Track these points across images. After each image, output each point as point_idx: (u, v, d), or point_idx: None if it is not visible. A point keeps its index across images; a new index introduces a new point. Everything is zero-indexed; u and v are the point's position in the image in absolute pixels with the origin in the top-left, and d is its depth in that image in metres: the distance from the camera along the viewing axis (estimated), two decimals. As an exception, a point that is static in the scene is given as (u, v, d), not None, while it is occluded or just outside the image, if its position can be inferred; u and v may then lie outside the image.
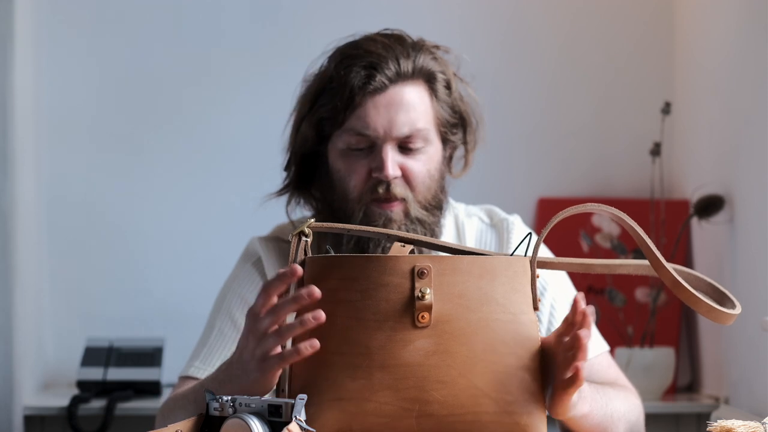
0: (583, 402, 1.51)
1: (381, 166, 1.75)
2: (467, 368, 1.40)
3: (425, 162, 1.78)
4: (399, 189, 1.76)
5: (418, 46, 1.80)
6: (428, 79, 1.79)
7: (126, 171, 2.80)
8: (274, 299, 1.45)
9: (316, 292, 1.41)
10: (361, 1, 2.81)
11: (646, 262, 1.53)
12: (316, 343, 1.40)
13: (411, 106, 1.76)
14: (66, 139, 2.79)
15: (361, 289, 1.41)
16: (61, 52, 2.79)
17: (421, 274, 1.40)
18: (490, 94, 2.82)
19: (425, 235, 1.76)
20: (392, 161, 1.75)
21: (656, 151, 2.65)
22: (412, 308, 1.40)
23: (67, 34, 2.80)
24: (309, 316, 1.40)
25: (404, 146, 1.77)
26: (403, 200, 1.76)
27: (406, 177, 1.77)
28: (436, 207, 1.80)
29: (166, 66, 2.81)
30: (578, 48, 2.85)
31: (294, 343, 1.42)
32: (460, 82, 1.86)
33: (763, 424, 1.42)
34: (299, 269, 1.42)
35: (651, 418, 2.03)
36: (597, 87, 2.85)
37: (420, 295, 1.40)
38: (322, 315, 1.40)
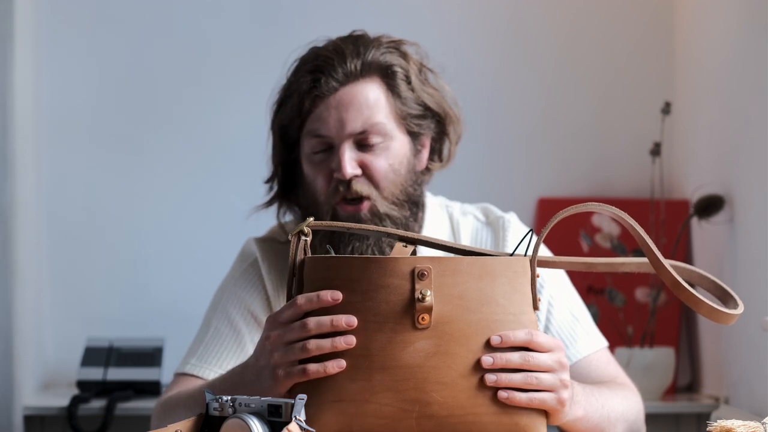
0: (576, 406, 1.51)
1: (339, 165, 1.76)
2: (467, 369, 1.40)
3: (387, 157, 1.78)
4: (360, 187, 1.76)
5: (372, 43, 1.80)
6: (384, 74, 1.79)
7: (126, 171, 2.80)
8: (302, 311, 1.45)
9: (339, 296, 1.42)
10: (361, 2, 2.82)
11: (648, 260, 1.53)
12: (342, 363, 1.40)
13: (363, 103, 1.77)
14: (66, 139, 2.79)
15: (361, 291, 1.41)
16: (61, 52, 2.79)
17: (422, 276, 1.40)
18: (490, 94, 2.83)
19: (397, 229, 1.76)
20: (349, 160, 1.76)
21: (656, 151, 2.65)
22: (412, 310, 1.40)
23: (67, 34, 2.80)
24: (341, 340, 1.40)
25: (362, 143, 1.78)
26: (368, 198, 1.77)
27: (368, 174, 1.77)
28: (407, 201, 1.80)
29: (166, 66, 2.81)
30: (578, 48, 2.85)
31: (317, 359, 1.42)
32: (431, 74, 1.85)
33: (763, 424, 1.42)
34: (339, 296, 1.42)
35: (651, 418, 2.03)
36: (597, 87, 2.85)
37: (420, 296, 1.40)
38: (353, 340, 1.40)
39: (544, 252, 1.85)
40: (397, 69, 1.80)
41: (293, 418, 1.32)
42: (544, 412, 1.44)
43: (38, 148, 2.73)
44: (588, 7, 2.86)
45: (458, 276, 1.41)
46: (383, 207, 1.77)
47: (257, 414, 1.35)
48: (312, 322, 1.42)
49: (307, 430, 1.33)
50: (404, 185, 1.80)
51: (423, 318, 1.40)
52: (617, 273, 2.67)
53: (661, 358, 2.59)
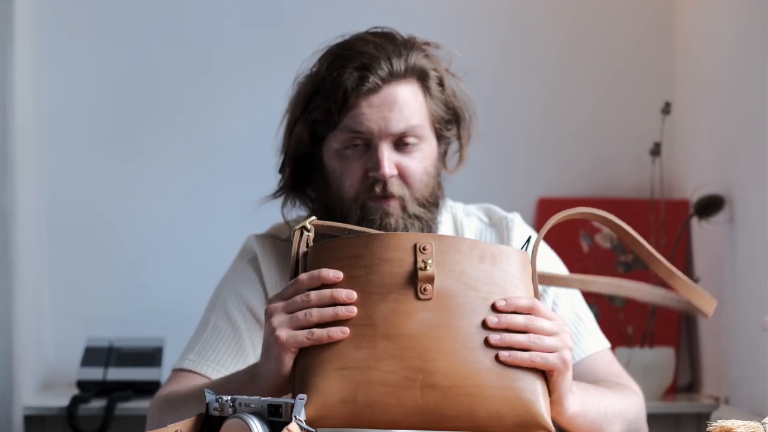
0: (573, 401, 1.51)
1: (377, 165, 1.75)
2: (469, 342, 1.42)
3: (421, 159, 1.79)
4: (396, 188, 1.77)
5: (410, 45, 1.80)
6: (421, 77, 1.80)
7: (126, 171, 2.80)
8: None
9: (340, 274, 1.44)
10: (361, 2, 2.82)
11: (645, 286, 1.59)
12: (346, 330, 1.42)
13: (405, 104, 1.77)
14: (66, 140, 2.79)
15: (365, 265, 1.44)
16: (61, 53, 2.79)
17: (423, 250, 1.43)
18: (490, 93, 2.83)
19: (422, 231, 1.77)
20: (388, 160, 1.76)
21: (656, 151, 2.65)
22: (414, 280, 1.43)
23: (67, 34, 2.80)
24: (343, 309, 1.42)
25: (399, 144, 1.78)
26: (400, 198, 1.77)
27: (402, 175, 1.78)
28: (433, 204, 1.81)
29: (166, 66, 2.81)
30: (578, 48, 2.85)
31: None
32: (452, 78, 1.87)
33: (763, 424, 1.42)
34: (340, 275, 1.44)
35: (651, 418, 2.03)
36: (597, 87, 2.85)
37: (422, 265, 1.42)
38: (354, 309, 1.42)
39: (547, 251, 1.89)
40: (433, 73, 1.81)
41: (293, 418, 1.32)
42: (546, 389, 1.44)
43: (38, 148, 2.73)
44: (588, 8, 2.86)
45: (459, 255, 1.44)
46: (413, 208, 1.78)
47: (257, 414, 1.35)
48: (313, 294, 1.45)
49: (307, 430, 1.33)
50: (433, 187, 1.81)
51: (425, 288, 1.42)
52: (617, 272, 2.68)
53: (661, 358, 2.59)
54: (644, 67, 2.85)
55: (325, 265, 1.46)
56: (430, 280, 1.42)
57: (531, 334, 1.43)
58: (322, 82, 1.79)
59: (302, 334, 1.43)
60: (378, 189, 1.76)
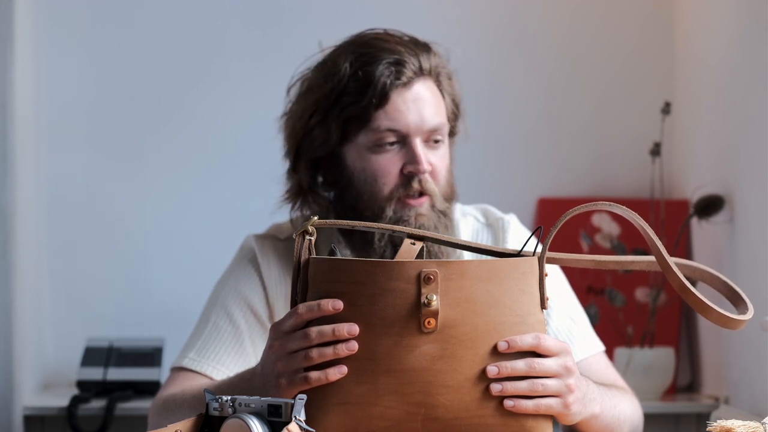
0: (593, 403, 1.51)
1: (415, 160, 1.76)
2: (473, 372, 1.40)
3: (444, 156, 1.81)
4: (430, 185, 1.77)
5: (421, 43, 1.82)
6: (436, 75, 1.81)
7: (126, 171, 2.80)
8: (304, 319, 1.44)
9: (340, 305, 1.41)
10: (362, 3, 2.82)
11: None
12: (344, 369, 1.40)
13: (433, 101, 1.79)
14: (66, 140, 2.79)
15: (367, 294, 1.41)
16: (61, 53, 2.79)
17: (428, 280, 1.39)
18: (489, 93, 2.83)
19: (446, 227, 1.78)
20: (425, 155, 1.77)
21: (656, 151, 2.65)
22: (418, 314, 1.39)
23: (67, 34, 2.80)
24: (343, 347, 1.40)
25: (428, 141, 1.78)
26: (432, 195, 1.78)
27: (431, 172, 1.79)
28: (452, 198, 1.83)
29: (166, 65, 2.81)
30: (578, 48, 2.85)
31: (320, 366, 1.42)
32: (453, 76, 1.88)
33: (763, 424, 1.42)
34: (340, 305, 1.41)
35: (651, 418, 2.03)
36: (597, 87, 2.85)
37: (426, 301, 1.39)
38: (355, 346, 1.40)
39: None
40: (444, 71, 1.83)
41: (293, 418, 1.32)
42: (551, 415, 1.44)
43: (38, 148, 2.73)
44: (587, 7, 2.86)
45: (465, 279, 1.40)
46: (440, 204, 1.79)
47: (257, 414, 1.35)
48: (314, 331, 1.42)
49: (307, 430, 1.33)
50: (452, 183, 1.83)
51: (429, 322, 1.39)
52: (617, 273, 2.68)
53: (661, 358, 2.59)
54: (644, 67, 2.85)
55: (325, 286, 1.43)
56: (434, 315, 1.39)
57: (534, 380, 1.41)
58: (349, 79, 1.77)
59: (300, 380, 1.42)
60: (415, 185, 1.76)
